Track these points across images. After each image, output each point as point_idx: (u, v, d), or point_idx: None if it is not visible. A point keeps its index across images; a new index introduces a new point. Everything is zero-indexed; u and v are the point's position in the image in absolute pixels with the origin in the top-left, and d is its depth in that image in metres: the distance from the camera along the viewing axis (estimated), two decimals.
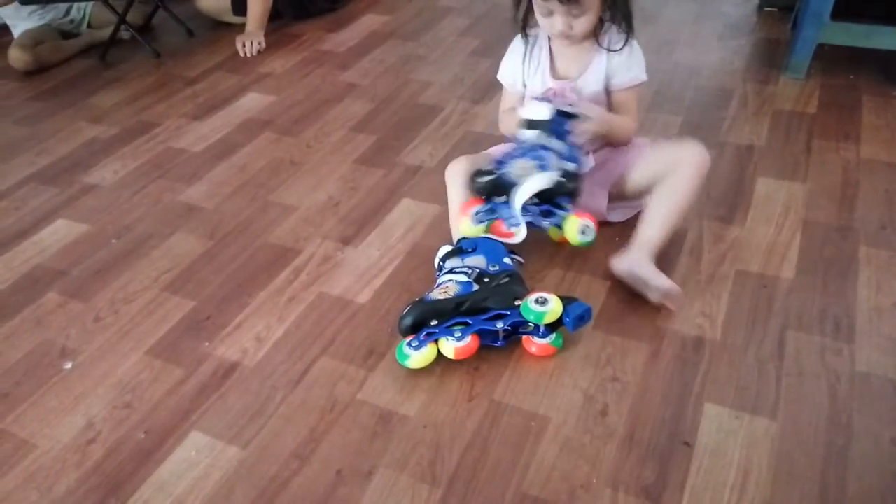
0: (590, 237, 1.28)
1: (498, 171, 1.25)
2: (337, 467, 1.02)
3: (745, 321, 1.22)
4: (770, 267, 1.33)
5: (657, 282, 1.22)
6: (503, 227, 1.29)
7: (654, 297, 1.23)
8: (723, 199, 1.51)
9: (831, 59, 2.01)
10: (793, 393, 1.09)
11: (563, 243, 1.33)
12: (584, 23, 1.26)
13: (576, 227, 1.26)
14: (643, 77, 1.35)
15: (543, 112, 1.25)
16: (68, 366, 1.22)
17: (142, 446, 1.07)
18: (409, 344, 1.15)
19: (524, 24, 1.36)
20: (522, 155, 1.27)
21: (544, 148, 1.26)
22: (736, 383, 1.11)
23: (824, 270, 1.32)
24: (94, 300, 1.37)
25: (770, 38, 2.21)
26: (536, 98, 1.30)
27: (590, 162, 1.34)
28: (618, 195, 1.40)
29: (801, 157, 1.64)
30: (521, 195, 1.24)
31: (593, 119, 1.27)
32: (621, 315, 1.24)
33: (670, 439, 1.03)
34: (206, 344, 1.24)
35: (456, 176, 1.36)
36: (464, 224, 1.29)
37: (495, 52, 1.43)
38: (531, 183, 1.23)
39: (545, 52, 1.36)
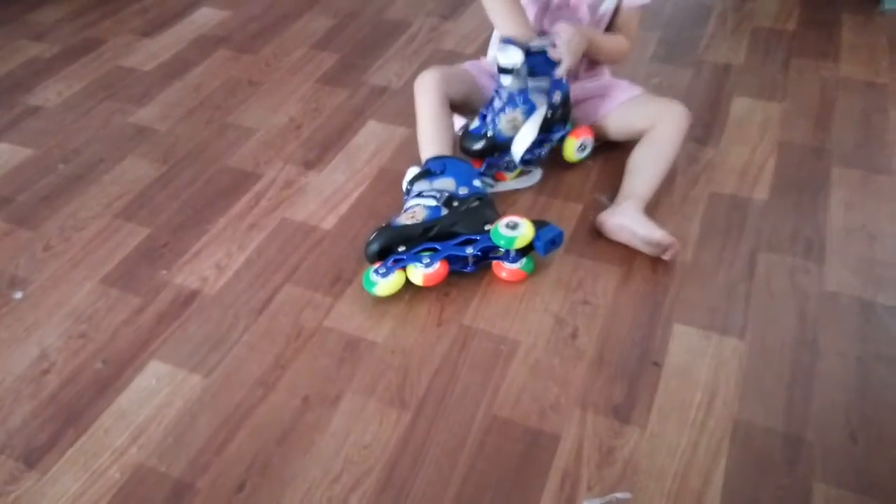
0: (587, 152, 1.35)
1: (490, 133, 1.25)
2: (304, 394, 1.00)
3: (717, 243, 1.21)
4: (744, 188, 1.31)
5: (652, 234, 1.14)
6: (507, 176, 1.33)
7: (648, 250, 1.16)
8: (698, 119, 1.47)
9: None
10: (762, 313, 1.09)
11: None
12: None
13: (573, 147, 1.33)
14: (648, 0, 1.31)
15: (516, 58, 1.20)
16: (18, 295, 1.17)
17: (99, 376, 1.03)
18: (375, 271, 1.11)
19: None
20: (506, 106, 1.24)
21: (525, 91, 1.23)
22: (706, 304, 1.10)
23: (798, 191, 1.31)
24: (43, 228, 1.29)
25: None
26: (505, 41, 1.23)
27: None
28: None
29: (779, 77, 1.61)
30: (518, 149, 1.25)
31: (565, 47, 1.19)
32: (593, 238, 1.22)
33: (640, 360, 1.03)
34: (164, 272, 1.19)
35: (427, 88, 1.28)
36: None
37: None
38: (524, 135, 1.24)
39: None
